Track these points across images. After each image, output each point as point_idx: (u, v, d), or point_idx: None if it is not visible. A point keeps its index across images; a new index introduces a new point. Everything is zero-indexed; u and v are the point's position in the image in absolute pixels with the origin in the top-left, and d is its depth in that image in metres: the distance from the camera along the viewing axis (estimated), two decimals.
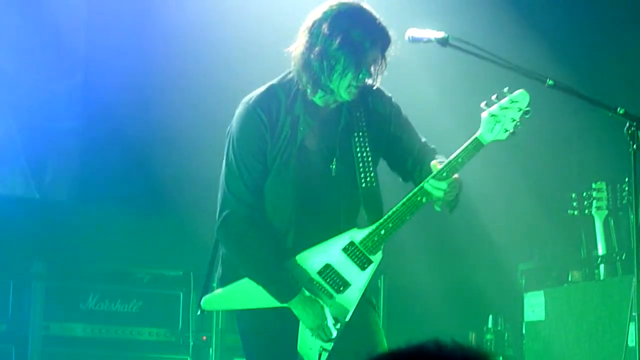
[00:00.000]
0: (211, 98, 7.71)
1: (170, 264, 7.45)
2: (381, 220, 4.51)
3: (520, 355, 7.23)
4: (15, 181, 7.89)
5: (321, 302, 4.52)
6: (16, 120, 7.85)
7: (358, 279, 4.54)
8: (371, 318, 4.68)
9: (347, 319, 4.54)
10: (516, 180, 7.94)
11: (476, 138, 4.44)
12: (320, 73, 4.42)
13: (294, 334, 4.55)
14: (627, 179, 6.66)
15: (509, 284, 7.79)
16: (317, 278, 4.55)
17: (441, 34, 4.56)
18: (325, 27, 4.41)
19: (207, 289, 4.71)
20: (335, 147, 4.57)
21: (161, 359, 7.29)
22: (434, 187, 4.42)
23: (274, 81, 4.60)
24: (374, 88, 4.62)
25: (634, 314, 4.56)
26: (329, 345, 4.52)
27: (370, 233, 4.52)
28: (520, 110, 4.43)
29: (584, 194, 6.99)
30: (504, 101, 4.44)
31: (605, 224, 6.93)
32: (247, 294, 4.57)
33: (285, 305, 4.50)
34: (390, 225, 4.50)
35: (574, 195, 7.05)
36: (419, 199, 4.46)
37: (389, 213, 4.51)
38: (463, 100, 7.37)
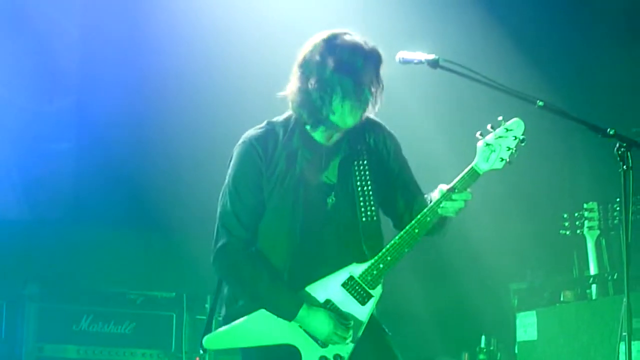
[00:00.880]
0: (205, 121, 7.74)
1: (163, 285, 7.46)
2: (380, 254, 4.49)
3: None
4: (9, 202, 7.90)
5: (324, 312, 4.50)
6: (9, 141, 7.87)
7: (359, 314, 4.55)
8: (384, 343, 4.64)
9: (349, 353, 4.53)
10: (508, 201, 7.97)
11: (472, 168, 4.46)
12: (320, 103, 4.42)
13: None
14: (618, 199, 6.69)
15: (501, 304, 7.80)
16: None
17: (432, 56, 4.59)
18: (316, 56, 4.43)
19: (209, 328, 4.68)
20: (334, 180, 4.58)
21: None
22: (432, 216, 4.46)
23: (273, 119, 4.63)
24: (375, 121, 4.63)
25: (624, 333, 4.57)
26: None
27: (370, 267, 4.50)
28: (516, 138, 4.44)
29: (576, 214, 7.02)
30: (499, 130, 4.45)
31: (597, 244, 6.96)
32: (250, 332, 4.53)
33: (293, 321, 4.48)
34: (389, 258, 4.48)
35: (565, 215, 7.08)
36: (416, 231, 4.48)
37: (387, 246, 4.49)
38: (453, 123, 7.43)
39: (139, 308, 7.30)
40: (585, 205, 6.98)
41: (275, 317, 4.49)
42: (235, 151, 4.59)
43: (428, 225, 4.47)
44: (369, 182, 4.58)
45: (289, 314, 4.47)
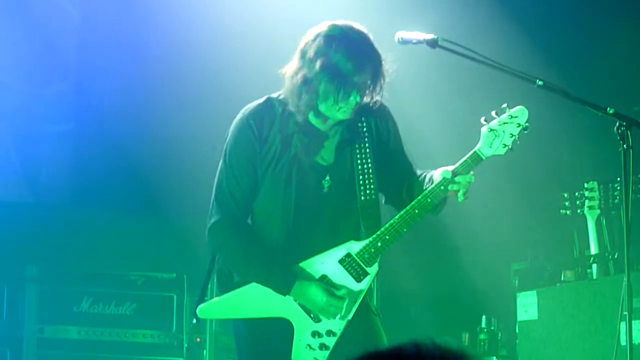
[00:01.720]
0: (205, 102, 7.73)
1: (164, 266, 7.47)
2: (378, 232, 4.52)
3: (513, 355, 7.25)
4: (9, 185, 7.90)
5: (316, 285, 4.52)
6: (9, 124, 7.86)
7: (354, 290, 4.55)
8: (372, 324, 4.68)
9: (341, 330, 4.55)
10: (508, 180, 7.95)
11: (475, 152, 4.47)
12: (306, 97, 4.42)
13: (288, 345, 4.56)
14: (618, 178, 6.68)
15: (501, 284, 7.80)
16: None
17: (430, 36, 4.58)
18: (311, 51, 4.41)
19: (203, 298, 4.71)
20: (331, 161, 4.58)
21: None
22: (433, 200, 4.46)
23: (273, 94, 4.62)
24: (377, 105, 4.62)
25: (624, 312, 4.58)
26: (323, 357, 4.53)
27: (367, 245, 4.53)
28: (520, 126, 4.46)
29: (576, 194, 7.01)
30: (503, 116, 4.46)
31: (598, 224, 6.96)
32: (244, 304, 4.58)
33: (288, 295, 4.51)
34: (387, 237, 4.51)
35: (566, 195, 7.07)
36: (416, 212, 4.49)
37: (386, 225, 4.52)
38: (449, 103, 7.42)
39: (140, 289, 7.30)
40: (585, 185, 6.97)
41: (270, 290, 4.51)
42: (232, 126, 4.60)
43: (429, 206, 4.48)
44: (369, 162, 4.59)
45: (283, 289, 4.51)
